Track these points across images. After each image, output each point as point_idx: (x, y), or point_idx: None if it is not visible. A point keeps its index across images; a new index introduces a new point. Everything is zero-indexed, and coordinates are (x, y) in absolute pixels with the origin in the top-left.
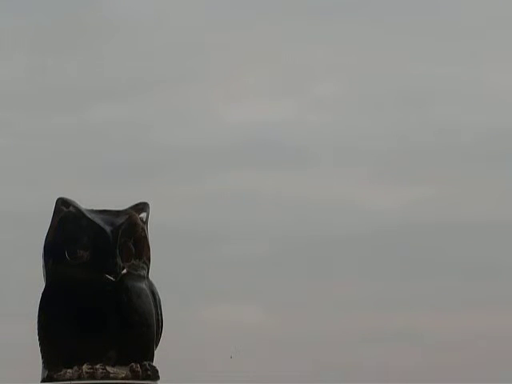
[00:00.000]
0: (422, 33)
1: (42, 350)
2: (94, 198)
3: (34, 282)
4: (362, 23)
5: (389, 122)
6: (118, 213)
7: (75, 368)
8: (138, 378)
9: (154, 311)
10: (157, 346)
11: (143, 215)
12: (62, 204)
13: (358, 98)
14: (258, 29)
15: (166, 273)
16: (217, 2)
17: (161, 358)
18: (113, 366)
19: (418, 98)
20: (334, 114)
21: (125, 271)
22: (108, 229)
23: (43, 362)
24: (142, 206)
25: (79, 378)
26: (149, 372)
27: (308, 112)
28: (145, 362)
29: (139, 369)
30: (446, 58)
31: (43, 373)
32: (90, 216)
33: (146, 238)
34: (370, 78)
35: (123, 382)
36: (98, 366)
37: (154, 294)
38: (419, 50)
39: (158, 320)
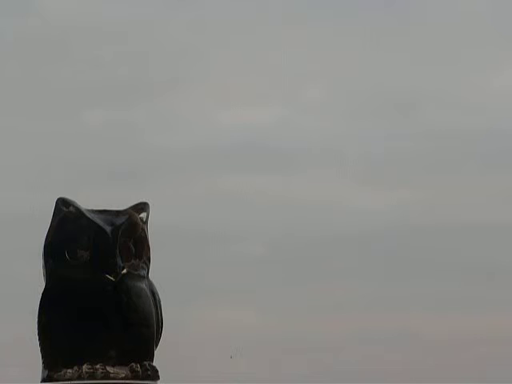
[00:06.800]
0: (412, 37)
1: (42, 350)
2: (94, 198)
3: (34, 282)
4: (354, 28)
5: (377, 125)
6: (117, 213)
7: (75, 368)
8: (138, 378)
9: (154, 311)
10: (157, 346)
11: (143, 215)
12: (62, 204)
13: (346, 102)
14: (252, 33)
15: (166, 273)
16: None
17: (161, 357)
18: (113, 366)
19: (406, 102)
20: (332, 118)
21: (125, 271)
22: (108, 229)
23: (43, 362)
24: (142, 206)
25: (79, 377)
26: (149, 372)
27: (306, 115)
28: (145, 362)
29: (139, 369)
30: (433, 62)
31: (43, 373)
32: (89, 216)
33: (146, 237)
34: (359, 81)
35: (123, 381)
36: (97, 366)
37: (154, 293)
38: (408, 54)
39: (158, 320)
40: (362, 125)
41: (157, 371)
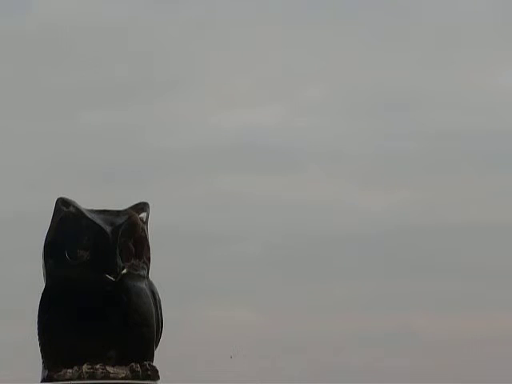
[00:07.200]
0: (412, 37)
1: (42, 350)
2: (93, 198)
3: (34, 282)
4: (354, 28)
5: (377, 125)
6: (118, 213)
7: (75, 368)
8: (138, 378)
9: (154, 311)
10: (157, 345)
11: (143, 215)
12: (62, 204)
13: (346, 102)
14: (252, 33)
15: (166, 273)
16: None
17: (161, 358)
18: (113, 365)
19: (405, 102)
20: (332, 118)
21: (125, 271)
22: (108, 229)
23: (43, 362)
24: (142, 206)
25: (79, 377)
26: (149, 372)
27: (306, 115)
28: (145, 362)
29: (139, 369)
30: (433, 62)
31: (43, 373)
32: (89, 216)
33: (145, 238)
34: (359, 81)
35: (123, 381)
36: (97, 366)
37: (154, 293)
38: (408, 55)
39: (157, 320)
40: (362, 125)
41: (157, 371)
